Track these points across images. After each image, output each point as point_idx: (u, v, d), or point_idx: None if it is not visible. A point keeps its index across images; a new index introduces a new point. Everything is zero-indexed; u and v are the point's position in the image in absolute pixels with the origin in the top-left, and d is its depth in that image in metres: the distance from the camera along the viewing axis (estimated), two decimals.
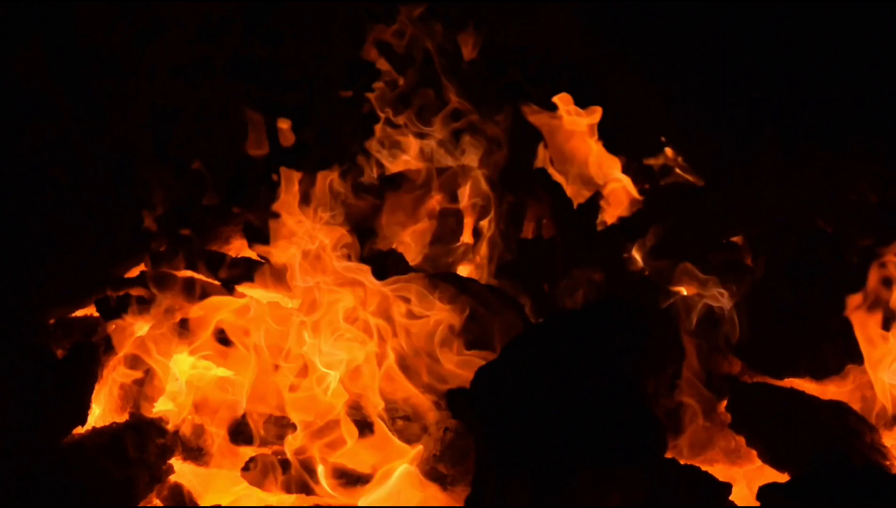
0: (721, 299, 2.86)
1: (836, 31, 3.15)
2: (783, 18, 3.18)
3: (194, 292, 2.85)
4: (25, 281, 3.09)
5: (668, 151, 3.47)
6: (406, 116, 3.41)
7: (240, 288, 2.90)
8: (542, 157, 3.38)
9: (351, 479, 2.48)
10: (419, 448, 2.49)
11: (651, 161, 3.43)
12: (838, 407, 2.51)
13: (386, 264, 2.83)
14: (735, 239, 3.07)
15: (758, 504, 2.27)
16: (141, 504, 2.52)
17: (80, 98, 3.42)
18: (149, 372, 2.73)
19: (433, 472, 2.45)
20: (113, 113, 3.46)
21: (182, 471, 2.60)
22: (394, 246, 3.12)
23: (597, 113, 3.40)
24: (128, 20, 3.49)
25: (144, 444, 2.55)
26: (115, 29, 3.47)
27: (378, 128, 3.41)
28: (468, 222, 3.16)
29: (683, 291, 2.97)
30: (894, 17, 3.09)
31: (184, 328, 2.76)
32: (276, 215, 3.03)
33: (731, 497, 2.30)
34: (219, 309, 2.78)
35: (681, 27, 3.31)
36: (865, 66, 3.16)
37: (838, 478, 2.34)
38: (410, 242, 3.13)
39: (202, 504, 2.57)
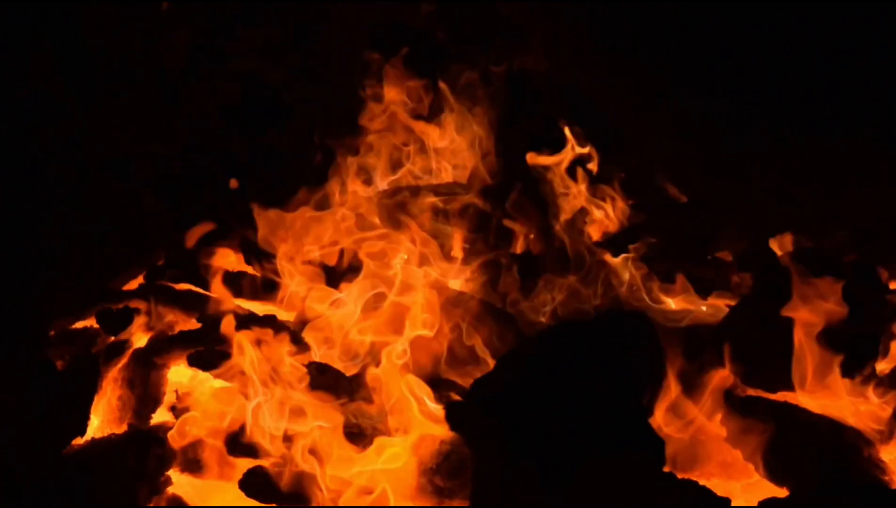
0: (711, 312, 2.87)
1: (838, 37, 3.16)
2: (780, 30, 3.19)
3: (192, 305, 2.88)
4: (27, 293, 3.11)
5: (656, 166, 3.49)
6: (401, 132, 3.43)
7: (237, 301, 2.92)
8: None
9: (348, 490, 2.48)
10: (417, 459, 2.49)
11: (638, 176, 3.43)
12: (834, 422, 2.50)
13: None
14: (720, 255, 3.08)
15: None
16: None
17: (90, 102, 3.41)
18: (147, 384, 2.73)
19: (429, 485, 2.44)
20: (116, 120, 3.46)
21: (180, 483, 2.59)
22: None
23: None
24: (137, 23, 3.49)
25: (143, 455, 2.55)
26: (125, 32, 3.47)
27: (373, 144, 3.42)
28: (458, 238, 3.17)
29: (672, 305, 2.98)
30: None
31: (182, 339, 2.78)
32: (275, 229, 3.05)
33: None
34: (216, 321, 2.79)
35: (672, 41, 3.32)
36: (865, 79, 3.16)
37: (838, 493, 2.33)
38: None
39: None
